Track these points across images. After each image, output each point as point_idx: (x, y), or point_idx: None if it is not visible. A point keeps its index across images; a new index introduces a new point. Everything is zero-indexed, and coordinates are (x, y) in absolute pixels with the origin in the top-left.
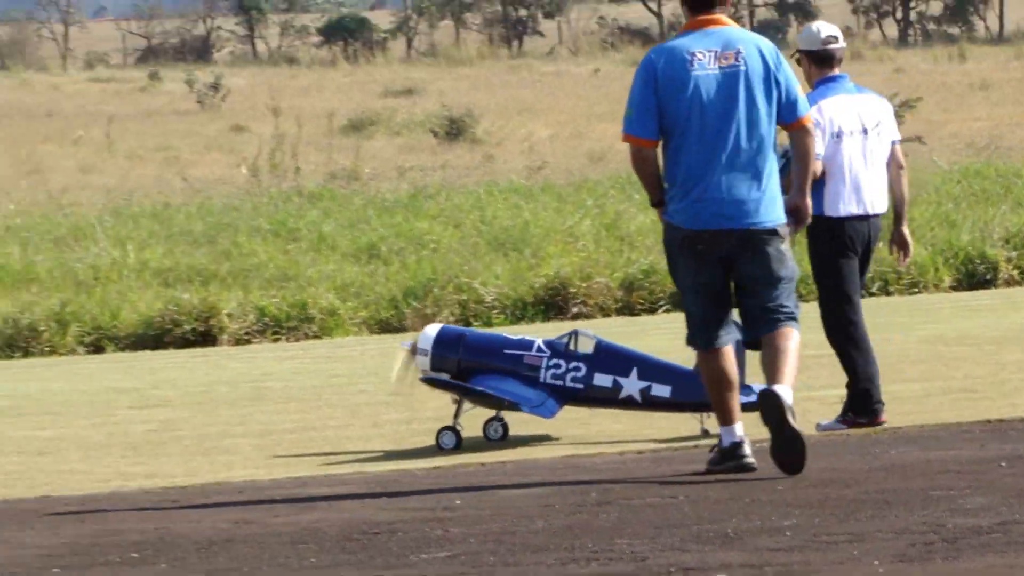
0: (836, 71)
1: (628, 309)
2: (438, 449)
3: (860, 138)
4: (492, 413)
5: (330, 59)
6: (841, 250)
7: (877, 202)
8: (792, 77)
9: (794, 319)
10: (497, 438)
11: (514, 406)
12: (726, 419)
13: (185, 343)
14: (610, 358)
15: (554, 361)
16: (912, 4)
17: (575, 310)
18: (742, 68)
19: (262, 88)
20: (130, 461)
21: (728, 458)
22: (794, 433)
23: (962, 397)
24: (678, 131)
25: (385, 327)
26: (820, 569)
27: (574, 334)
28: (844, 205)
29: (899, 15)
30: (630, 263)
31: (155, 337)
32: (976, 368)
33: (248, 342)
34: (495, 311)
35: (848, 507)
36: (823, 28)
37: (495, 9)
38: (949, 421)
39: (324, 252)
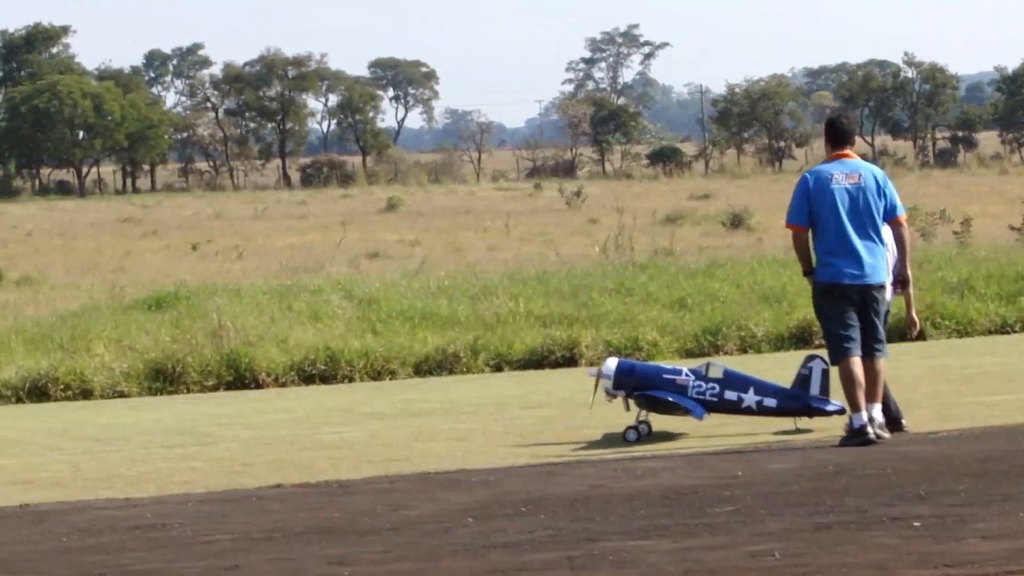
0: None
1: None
2: (624, 441)
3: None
4: (643, 416)
5: (654, 175)
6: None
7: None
8: (894, 191)
9: (884, 351)
10: (645, 434)
11: (679, 408)
12: (855, 407)
13: (556, 365)
14: (735, 381)
15: (697, 383)
16: None
17: (816, 342)
18: (862, 184)
19: (609, 194)
20: (519, 444)
21: (857, 435)
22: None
23: None
24: (820, 221)
25: (691, 354)
26: (984, 518)
27: (708, 364)
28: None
29: None
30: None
31: (537, 361)
32: None
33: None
34: (764, 342)
35: (1001, 477)
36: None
37: (763, 141)
38: None
39: (649, 303)
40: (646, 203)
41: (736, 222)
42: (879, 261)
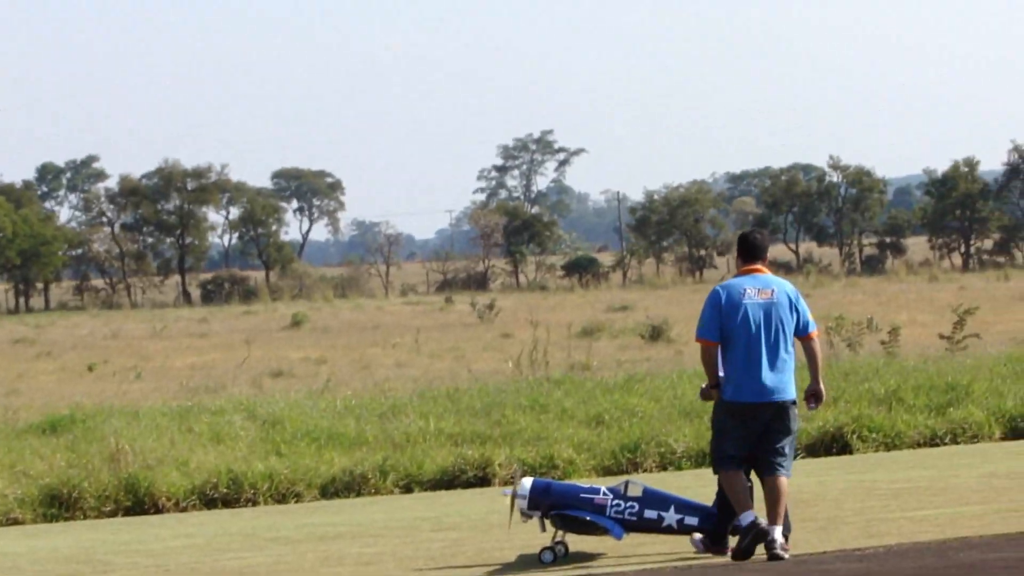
0: (759, 267)
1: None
2: (540, 563)
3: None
4: (559, 536)
5: (570, 286)
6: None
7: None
8: (805, 307)
9: (787, 469)
10: (562, 555)
11: (597, 528)
12: (743, 508)
13: (468, 485)
14: (655, 499)
15: (615, 501)
16: (972, 241)
17: None
18: (774, 300)
19: (523, 307)
20: (430, 568)
21: (748, 531)
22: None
23: (1011, 515)
24: (732, 336)
25: (608, 472)
26: None
27: (627, 483)
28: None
29: (963, 249)
30: None
31: (448, 481)
32: (1021, 495)
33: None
34: (684, 459)
35: None
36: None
37: (683, 249)
38: (999, 532)
39: (565, 420)
40: (562, 316)
41: (655, 334)
42: (787, 377)
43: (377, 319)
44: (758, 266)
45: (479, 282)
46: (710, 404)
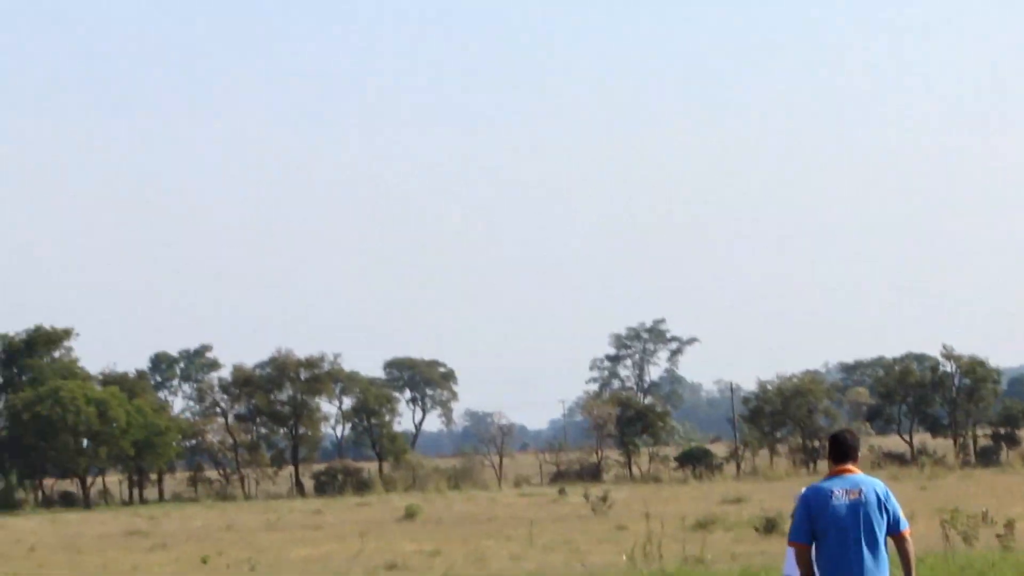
0: (851, 467)
1: None
2: None
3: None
4: None
5: (683, 478)
6: None
7: None
8: (897, 506)
9: None
10: None
11: None
12: None
13: None
14: None
15: None
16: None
17: None
18: (862, 500)
19: (637, 499)
20: None
21: None
22: None
23: None
24: (823, 538)
25: None
26: None
27: None
28: None
29: None
30: None
31: None
32: None
33: None
34: None
35: None
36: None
37: (797, 440)
38: None
39: None
40: (675, 508)
41: (770, 527)
42: (881, 571)
43: (490, 511)
44: (848, 466)
45: (592, 473)
46: None
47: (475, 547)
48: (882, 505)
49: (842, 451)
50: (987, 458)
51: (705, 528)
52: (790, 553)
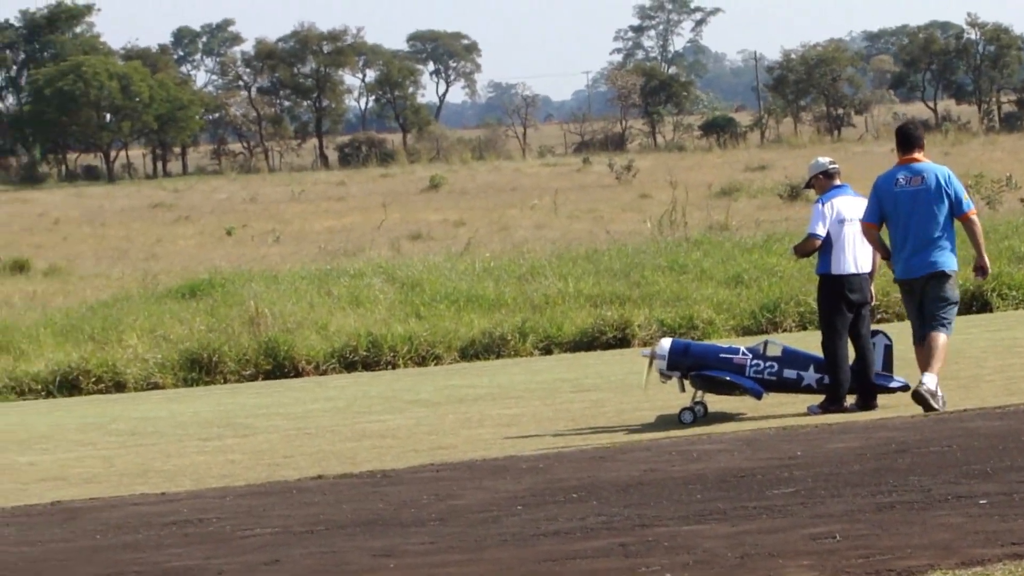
0: (839, 182)
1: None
2: (679, 423)
3: (856, 224)
4: (698, 396)
5: (707, 146)
6: (841, 295)
7: (864, 265)
8: (960, 188)
9: (945, 327)
10: (701, 416)
11: (736, 388)
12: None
13: (608, 346)
14: (794, 359)
15: (754, 361)
16: None
17: (879, 316)
18: (923, 187)
19: (661, 168)
20: (570, 429)
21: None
22: (929, 407)
23: None
24: (890, 221)
25: (747, 332)
26: None
27: (766, 342)
28: (845, 266)
29: None
30: None
31: (588, 342)
32: None
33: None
34: None
35: None
36: (824, 158)
37: (821, 109)
38: None
39: (704, 280)
40: (699, 176)
41: (794, 194)
42: (939, 254)
43: (515, 181)
44: (914, 155)
45: (616, 143)
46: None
47: (499, 216)
48: (943, 189)
49: (908, 142)
50: (1011, 124)
51: (729, 196)
52: (816, 212)
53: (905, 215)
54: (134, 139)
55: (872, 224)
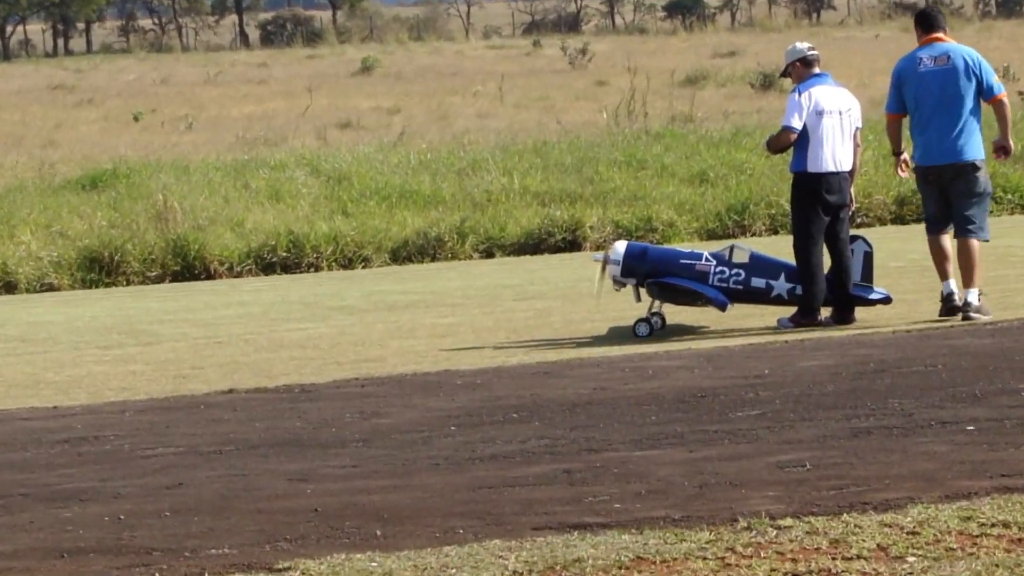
0: (818, 70)
1: (899, 220)
2: (634, 336)
3: (836, 117)
4: (656, 307)
5: (671, 29)
6: (817, 195)
7: (844, 163)
8: (989, 70)
9: (975, 231)
10: (658, 328)
11: (699, 298)
12: (943, 277)
13: (556, 249)
14: (763, 266)
15: (719, 268)
16: None
17: (859, 220)
18: (949, 67)
19: (619, 52)
20: (511, 341)
21: (944, 302)
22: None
23: None
24: (913, 107)
25: (712, 236)
26: None
27: (732, 248)
28: (823, 164)
29: None
30: (902, 183)
31: (534, 245)
32: None
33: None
34: None
35: None
36: (802, 44)
37: None
38: None
39: (665, 178)
40: (662, 62)
41: (767, 83)
42: (966, 139)
43: (457, 64)
44: (937, 35)
45: (571, 24)
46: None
47: (438, 104)
48: (971, 71)
49: (928, 22)
50: (1009, 8)
51: (695, 84)
52: (792, 103)
53: (930, 97)
54: (33, 13)
55: (895, 115)
